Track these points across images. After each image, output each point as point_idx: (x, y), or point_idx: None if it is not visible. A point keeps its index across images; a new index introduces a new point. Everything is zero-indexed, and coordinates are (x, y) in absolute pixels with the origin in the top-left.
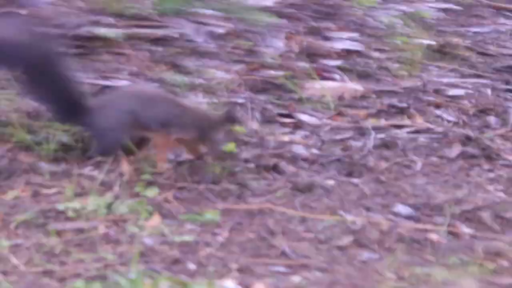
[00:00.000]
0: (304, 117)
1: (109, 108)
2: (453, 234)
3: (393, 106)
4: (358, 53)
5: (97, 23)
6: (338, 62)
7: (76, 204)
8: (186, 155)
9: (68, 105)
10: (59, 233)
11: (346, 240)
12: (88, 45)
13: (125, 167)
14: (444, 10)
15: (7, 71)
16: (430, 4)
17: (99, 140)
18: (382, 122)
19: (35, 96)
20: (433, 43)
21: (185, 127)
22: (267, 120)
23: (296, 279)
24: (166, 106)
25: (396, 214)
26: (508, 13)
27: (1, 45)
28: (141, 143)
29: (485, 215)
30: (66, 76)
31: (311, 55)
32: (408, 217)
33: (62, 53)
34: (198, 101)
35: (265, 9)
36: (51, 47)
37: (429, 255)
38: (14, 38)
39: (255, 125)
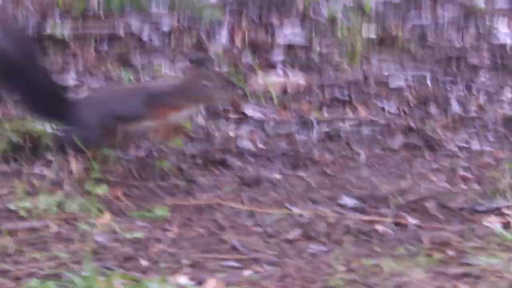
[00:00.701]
0: (249, 112)
1: (90, 104)
2: (399, 225)
3: (336, 99)
4: (301, 46)
5: (44, 23)
6: (281, 56)
7: (27, 203)
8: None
9: (50, 100)
10: (11, 233)
11: (295, 233)
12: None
13: (75, 165)
14: (385, 3)
15: None
16: None
17: (80, 134)
18: (326, 115)
19: (13, 93)
20: (374, 35)
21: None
22: (212, 115)
23: (247, 273)
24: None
25: (342, 206)
26: (447, 4)
27: None
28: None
29: (430, 205)
30: (46, 72)
31: (255, 49)
32: (355, 209)
33: (38, 50)
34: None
35: (210, 5)
36: (29, 45)
37: (377, 246)
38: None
39: (201, 120)
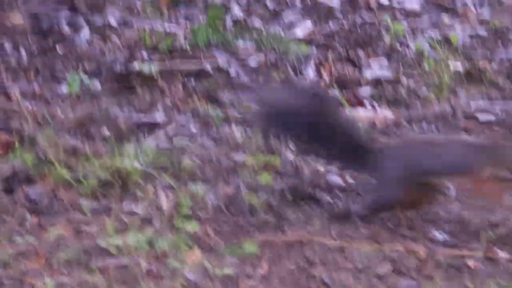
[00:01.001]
0: None
1: (394, 157)
2: (490, 260)
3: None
4: (387, 80)
5: (132, 59)
6: (368, 90)
7: (117, 240)
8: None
9: (354, 152)
10: (102, 270)
11: (385, 268)
12: (123, 81)
13: (164, 201)
14: (471, 36)
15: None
16: (460, 30)
17: (376, 191)
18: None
19: (319, 153)
20: (465, 68)
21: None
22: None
23: None
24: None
25: (433, 241)
26: None
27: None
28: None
29: None
30: (347, 124)
31: (342, 83)
32: (445, 243)
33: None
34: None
35: (298, 40)
36: (328, 101)
37: (468, 281)
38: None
39: (289, 155)
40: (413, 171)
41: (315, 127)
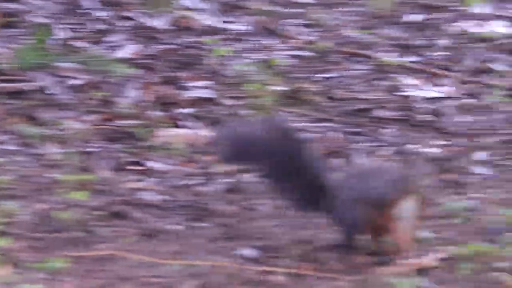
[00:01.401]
0: (155, 164)
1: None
2: (297, 275)
3: None
4: (209, 100)
5: None
6: (191, 110)
7: None
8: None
9: (313, 191)
10: None
11: (193, 284)
12: None
13: None
14: (297, 57)
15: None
16: (283, 52)
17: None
18: (231, 167)
19: (280, 190)
20: (285, 89)
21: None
22: (119, 168)
23: None
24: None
25: (242, 257)
26: (359, 59)
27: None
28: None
29: (328, 256)
30: (312, 162)
31: (165, 104)
32: (254, 260)
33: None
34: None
35: (123, 61)
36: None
37: None
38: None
39: (106, 173)
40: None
41: (280, 162)
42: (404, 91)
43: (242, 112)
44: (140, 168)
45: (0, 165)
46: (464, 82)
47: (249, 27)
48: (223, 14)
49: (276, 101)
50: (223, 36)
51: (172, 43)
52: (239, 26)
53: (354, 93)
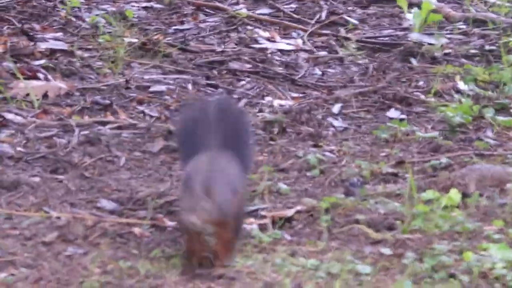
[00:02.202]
0: (9, 116)
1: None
2: (157, 227)
3: (96, 103)
4: (62, 52)
5: None
6: (42, 62)
7: None
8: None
9: None
10: None
11: (51, 236)
12: None
13: None
14: (146, 8)
15: None
16: (133, 3)
17: None
18: (86, 119)
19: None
20: (136, 40)
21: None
22: None
23: (2, 275)
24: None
25: (100, 209)
26: (208, 10)
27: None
28: None
29: None
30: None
31: (16, 55)
32: (112, 212)
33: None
34: None
35: None
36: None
37: (134, 248)
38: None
39: None
40: None
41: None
42: (258, 44)
43: (96, 64)
44: None
45: None
46: (318, 35)
47: None
48: None
49: (130, 52)
50: None
51: None
52: None
53: (208, 45)
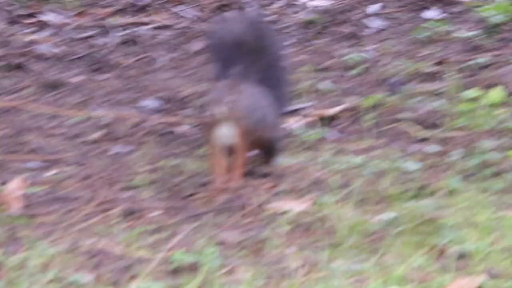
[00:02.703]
0: (48, 17)
1: None
2: (199, 126)
3: (134, 4)
4: None
5: None
6: None
7: None
8: None
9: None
10: None
11: (96, 134)
12: None
13: None
14: None
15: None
16: None
17: None
18: (123, 20)
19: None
20: None
21: None
22: (12, 20)
23: (50, 173)
24: None
25: (144, 108)
26: None
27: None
28: None
29: None
30: None
31: None
32: (156, 111)
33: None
34: None
35: None
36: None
37: (178, 147)
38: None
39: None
40: None
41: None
42: None
43: None
44: (34, 20)
45: None
46: None
47: None
48: None
49: None
50: None
51: None
52: None
53: None
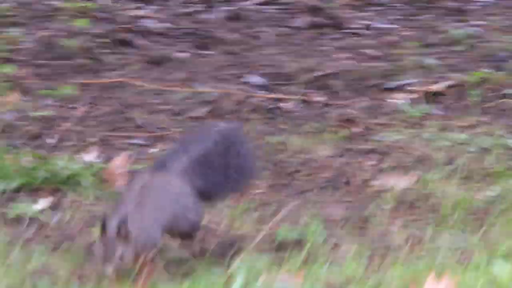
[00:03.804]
0: None
1: None
2: (306, 103)
3: None
4: None
5: None
6: None
7: None
8: None
9: None
10: None
11: (201, 111)
12: None
13: None
14: None
15: None
16: None
17: None
18: None
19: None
20: None
21: None
22: None
23: (154, 150)
24: None
25: (249, 85)
26: None
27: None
28: None
29: (337, 83)
30: None
31: None
32: (261, 87)
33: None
34: None
35: None
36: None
37: (283, 124)
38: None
39: (106, 0)
40: None
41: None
42: None
43: None
44: None
45: None
46: None
47: None
48: None
49: None
50: None
51: None
52: None
53: None
